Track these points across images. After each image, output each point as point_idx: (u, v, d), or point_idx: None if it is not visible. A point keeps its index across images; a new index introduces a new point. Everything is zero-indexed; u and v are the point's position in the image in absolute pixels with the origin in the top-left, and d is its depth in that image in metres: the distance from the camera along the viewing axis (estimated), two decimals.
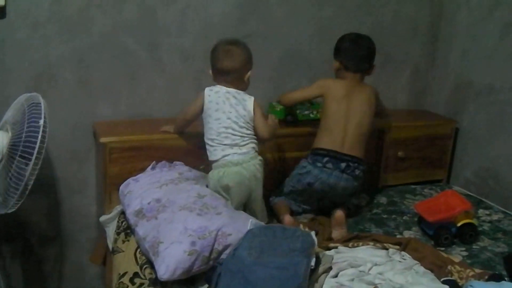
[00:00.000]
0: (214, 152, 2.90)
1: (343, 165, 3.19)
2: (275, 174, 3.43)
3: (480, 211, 3.56)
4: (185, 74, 3.47)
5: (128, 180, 2.90)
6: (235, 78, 2.94)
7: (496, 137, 3.74)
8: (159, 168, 3.00)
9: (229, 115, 2.89)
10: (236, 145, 2.89)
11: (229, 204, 2.81)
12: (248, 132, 2.94)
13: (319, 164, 3.20)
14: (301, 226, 3.06)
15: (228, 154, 2.87)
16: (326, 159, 3.20)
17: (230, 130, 2.88)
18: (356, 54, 3.37)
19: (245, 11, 3.51)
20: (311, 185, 3.20)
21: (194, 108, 3.00)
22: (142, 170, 2.99)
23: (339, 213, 3.14)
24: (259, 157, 2.96)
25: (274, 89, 3.63)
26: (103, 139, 3.02)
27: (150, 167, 3.01)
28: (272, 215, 3.22)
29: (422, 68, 4.23)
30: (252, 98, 2.96)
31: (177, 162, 3.09)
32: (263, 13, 3.56)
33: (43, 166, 2.57)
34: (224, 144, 2.88)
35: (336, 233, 3.06)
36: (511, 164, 3.65)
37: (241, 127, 2.90)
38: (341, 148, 3.22)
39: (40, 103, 2.52)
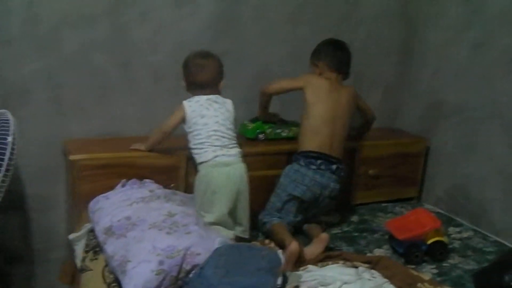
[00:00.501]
0: (205, 154, 2.95)
1: (334, 167, 3.26)
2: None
3: (451, 228, 3.59)
4: (157, 93, 3.47)
5: (97, 197, 2.89)
6: (211, 89, 3.05)
7: (467, 155, 3.77)
8: (129, 186, 2.99)
9: (216, 119, 2.99)
10: (225, 146, 2.98)
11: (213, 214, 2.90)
12: (234, 135, 3.05)
13: (313, 167, 3.23)
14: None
15: (218, 155, 2.94)
16: (319, 161, 3.24)
17: (219, 133, 2.98)
18: (338, 55, 3.46)
19: (218, 30, 3.53)
20: (309, 188, 3.21)
21: (173, 121, 3.06)
22: (112, 188, 2.97)
23: (325, 235, 3.05)
24: (244, 163, 3.03)
25: (248, 108, 3.62)
26: (72, 157, 3.00)
27: (120, 184, 3.01)
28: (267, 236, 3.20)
29: (394, 87, 4.27)
30: (231, 101, 3.09)
31: (147, 180, 3.08)
32: (236, 32, 3.58)
33: (13, 183, 2.55)
34: (215, 146, 2.96)
35: (313, 249, 2.96)
36: (481, 182, 3.68)
37: (228, 128, 3.01)
38: (330, 150, 3.29)
39: (9, 120, 2.51)
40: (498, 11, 3.55)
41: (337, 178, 3.29)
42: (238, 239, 2.96)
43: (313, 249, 2.96)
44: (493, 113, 3.59)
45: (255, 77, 3.68)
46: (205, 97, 3.03)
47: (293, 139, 3.61)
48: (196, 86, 3.04)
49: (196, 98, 3.03)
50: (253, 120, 3.66)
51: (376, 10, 4.05)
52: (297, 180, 3.23)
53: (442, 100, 3.94)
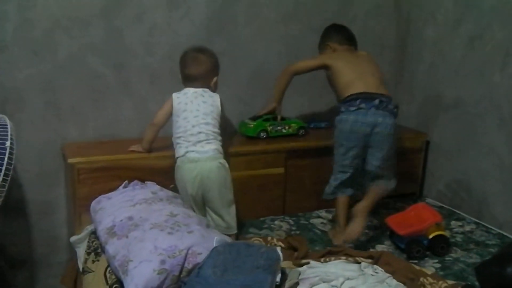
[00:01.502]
0: (179, 150, 3.01)
1: (376, 101, 3.17)
2: (250, 191, 3.45)
3: (453, 222, 3.58)
4: (153, 94, 3.48)
5: (99, 197, 2.90)
6: (201, 83, 3.10)
7: (466, 149, 3.77)
8: (132, 187, 2.99)
9: (196, 113, 3.02)
10: (199, 142, 2.99)
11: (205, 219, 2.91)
12: (215, 130, 3.04)
13: (352, 108, 3.18)
14: (279, 242, 3.06)
15: (189, 151, 2.98)
16: (358, 100, 3.18)
17: (196, 128, 3.00)
18: (344, 32, 3.60)
19: (212, 31, 3.53)
20: (353, 130, 3.17)
21: (162, 112, 3.13)
22: (111, 190, 2.96)
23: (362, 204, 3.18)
24: (220, 160, 3.01)
25: (244, 108, 3.64)
26: (71, 160, 3.01)
27: (122, 186, 3.01)
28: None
29: (391, 83, 4.24)
30: (219, 95, 3.09)
31: (149, 182, 3.08)
32: (230, 32, 3.58)
33: (13, 188, 2.55)
34: (188, 141, 2.99)
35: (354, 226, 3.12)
36: (482, 175, 3.67)
37: (208, 123, 3.01)
38: (369, 88, 3.25)
39: (7, 125, 2.50)
40: (492, 5, 3.54)
41: (385, 113, 3.18)
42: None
43: (355, 226, 3.13)
44: (490, 106, 3.58)
45: (250, 76, 3.69)
46: (192, 89, 3.08)
47: (294, 135, 3.71)
48: (186, 78, 3.10)
49: (185, 90, 3.09)
50: (254, 119, 3.67)
51: (370, 6, 4.06)
52: (344, 129, 3.20)
53: (439, 95, 3.93)
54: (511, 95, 3.43)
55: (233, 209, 3.09)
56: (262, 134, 3.64)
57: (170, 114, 3.09)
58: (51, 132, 3.28)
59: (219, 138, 3.07)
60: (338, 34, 3.58)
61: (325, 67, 3.42)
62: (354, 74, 3.31)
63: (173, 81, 3.41)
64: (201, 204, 3.04)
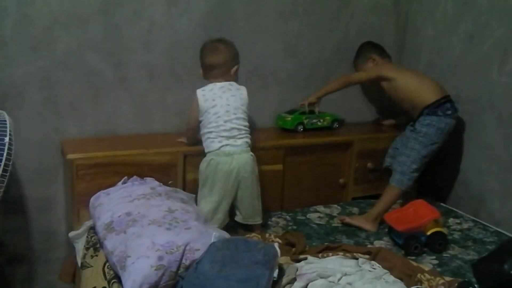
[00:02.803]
0: (212, 144, 3.04)
1: (459, 106, 3.63)
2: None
3: (451, 220, 3.60)
4: (152, 91, 3.49)
5: (98, 193, 2.91)
6: (221, 72, 3.10)
7: (464, 146, 3.78)
8: (131, 183, 3.00)
9: (227, 108, 3.04)
10: (233, 137, 3.03)
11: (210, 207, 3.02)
12: (245, 124, 3.08)
13: (448, 112, 3.53)
14: (276, 239, 3.05)
15: (223, 146, 3.01)
16: (449, 104, 3.55)
17: (229, 124, 3.03)
18: (381, 47, 3.95)
19: (210, 27, 3.53)
20: (449, 131, 3.55)
21: (194, 114, 3.13)
22: (110, 186, 2.96)
23: None
24: (251, 153, 3.08)
25: None
26: (69, 156, 3.00)
27: (121, 181, 3.01)
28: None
29: None
30: (245, 88, 3.11)
31: (148, 178, 3.08)
32: (228, 29, 3.57)
33: (12, 185, 2.55)
34: (222, 136, 3.02)
35: None
36: (479, 173, 3.68)
37: (239, 118, 3.05)
38: (444, 92, 3.60)
39: (6, 121, 2.49)
40: (490, 3, 3.56)
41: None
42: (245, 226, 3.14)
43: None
44: (488, 104, 3.59)
45: (249, 73, 3.67)
46: (219, 84, 3.08)
47: (327, 128, 3.88)
48: (207, 68, 3.11)
49: (210, 86, 3.09)
50: (291, 112, 3.78)
51: (368, 4, 4.07)
52: (444, 130, 3.53)
53: None
54: (509, 93, 3.44)
55: (259, 199, 3.16)
56: (299, 127, 3.76)
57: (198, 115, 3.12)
58: (49, 128, 3.27)
59: (249, 131, 3.11)
60: (377, 48, 3.92)
61: (382, 79, 3.76)
62: (421, 80, 3.67)
63: (171, 78, 3.44)
64: (231, 196, 3.06)
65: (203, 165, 3.06)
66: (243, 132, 3.06)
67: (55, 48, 3.19)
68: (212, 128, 3.03)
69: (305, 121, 3.78)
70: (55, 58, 3.20)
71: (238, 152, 3.01)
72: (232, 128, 3.03)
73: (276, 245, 2.45)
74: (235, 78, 3.14)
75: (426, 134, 3.50)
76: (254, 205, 3.13)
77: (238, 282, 2.12)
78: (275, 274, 2.27)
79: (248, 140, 3.08)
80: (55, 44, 3.19)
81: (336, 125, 3.92)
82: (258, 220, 3.17)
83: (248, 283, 2.12)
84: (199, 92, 3.07)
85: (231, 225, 3.15)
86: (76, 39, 3.23)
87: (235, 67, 3.12)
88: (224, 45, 3.10)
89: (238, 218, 3.16)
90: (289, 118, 3.76)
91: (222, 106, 3.03)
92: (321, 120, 3.85)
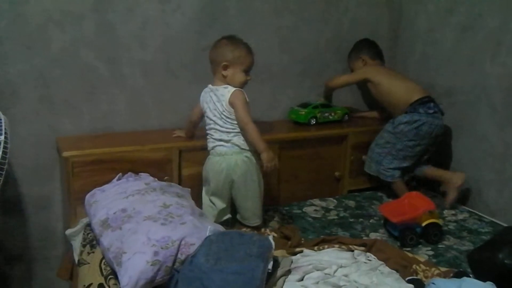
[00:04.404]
0: (208, 143, 3.10)
1: (441, 106, 3.74)
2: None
3: (446, 211, 3.62)
4: (146, 88, 3.49)
5: (94, 190, 2.91)
6: (214, 69, 3.09)
7: (458, 137, 3.80)
8: (125, 179, 3.01)
9: (214, 113, 3.05)
10: (221, 140, 3.04)
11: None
12: (232, 127, 3.03)
13: (430, 111, 3.65)
14: (272, 233, 3.08)
15: (216, 146, 3.05)
16: (431, 104, 3.68)
17: (217, 126, 3.04)
18: (376, 47, 4.04)
19: (204, 23, 3.54)
20: (430, 131, 3.66)
21: (193, 110, 3.25)
22: (106, 183, 2.96)
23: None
24: (245, 154, 3.05)
25: None
26: (65, 154, 3.00)
27: (116, 178, 3.01)
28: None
29: None
30: (230, 92, 3.01)
31: (143, 174, 3.09)
32: (222, 25, 3.58)
33: (8, 183, 2.54)
34: (214, 138, 3.06)
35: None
36: (474, 164, 3.70)
37: (225, 122, 3.02)
38: (426, 92, 3.75)
39: (1, 119, 2.50)
40: None
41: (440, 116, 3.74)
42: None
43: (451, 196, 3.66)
44: (482, 95, 3.61)
45: None
46: (210, 87, 3.10)
47: (339, 121, 3.97)
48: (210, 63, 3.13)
49: (207, 88, 3.13)
50: (304, 106, 3.86)
51: None
52: (421, 129, 3.64)
53: (430, 84, 3.94)
54: (502, 84, 3.46)
55: (256, 201, 3.14)
56: (312, 121, 3.83)
57: (200, 111, 3.18)
58: (45, 126, 3.28)
59: (240, 132, 3.04)
60: (370, 49, 4.00)
61: (367, 81, 3.89)
62: (402, 82, 3.80)
63: (166, 74, 3.45)
64: (225, 195, 3.09)
65: (205, 163, 3.12)
66: (232, 134, 3.03)
67: (50, 46, 3.19)
68: (207, 130, 3.09)
69: (318, 115, 3.84)
70: (50, 56, 3.20)
71: (229, 153, 3.02)
72: (220, 131, 3.04)
73: (270, 237, 2.46)
74: (229, 80, 3.04)
75: (402, 131, 3.66)
76: (247, 207, 3.13)
77: (233, 274, 2.13)
78: (270, 266, 2.28)
79: (238, 142, 3.04)
80: (49, 42, 3.19)
81: (346, 118, 4.00)
82: (255, 223, 3.16)
83: (242, 275, 2.14)
84: (202, 93, 3.14)
85: (231, 222, 3.19)
86: (70, 37, 3.23)
87: (227, 71, 3.03)
88: (223, 42, 3.05)
89: (238, 216, 3.19)
90: (303, 112, 3.82)
91: (211, 110, 3.05)
92: (333, 114, 3.92)
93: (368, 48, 4.00)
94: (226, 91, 3.01)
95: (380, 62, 4.01)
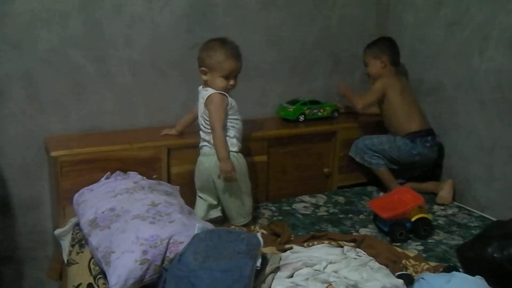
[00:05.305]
0: (200, 143, 3.15)
1: (437, 139, 3.82)
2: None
3: (435, 206, 3.63)
4: (135, 86, 3.48)
5: (82, 189, 2.90)
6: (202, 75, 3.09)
7: (447, 132, 3.80)
8: (114, 178, 3.00)
9: (200, 113, 3.10)
10: (204, 140, 3.10)
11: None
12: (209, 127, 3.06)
13: (428, 144, 3.73)
14: (262, 230, 3.09)
15: (202, 146, 3.12)
16: (430, 137, 3.75)
17: (201, 126, 3.10)
18: (398, 51, 3.91)
19: (192, 20, 3.53)
20: (420, 161, 3.78)
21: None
22: (95, 182, 2.95)
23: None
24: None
25: None
26: (53, 153, 2.99)
27: (104, 177, 3.01)
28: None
29: None
30: (208, 95, 3.02)
31: (131, 172, 3.09)
32: (210, 21, 3.57)
33: None
34: (201, 138, 3.12)
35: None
36: (463, 159, 3.71)
37: (207, 123, 3.05)
38: (428, 125, 3.83)
39: None
40: None
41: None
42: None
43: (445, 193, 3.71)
44: (470, 90, 3.61)
45: None
46: (200, 87, 3.13)
47: (328, 118, 3.94)
48: None
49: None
50: (292, 102, 3.84)
51: None
52: (410, 156, 3.77)
53: (419, 79, 3.97)
54: (490, 78, 3.46)
55: (239, 201, 3.15)
56: (300, 117, 3.81)
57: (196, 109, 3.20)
58: (33, 126, 3.26)
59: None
60: (393, 52, 3.88)
61: (384, 96, 3.82)
62: (409, 107, 3.80)
63: (154, 72, 3.44)
64: (213, 193, 3.14)
65: None
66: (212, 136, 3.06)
67: (37, 46, 3.18)
68: (200, 130, 3.12)
69: (307, 112, 3.82)
70: (37, 56, 3.19)
71: (211, 154, 3.05)
72: (204, 132, 3.08)
73: (259, 234, 2.46)
74: (209, 84, 3.06)
75: (399, 149, 3.74)
76: (230, 206, 3.15)
77: (222, 272, 2.13)
78: (258, 263, 2.27)
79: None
80: (36, 41, 3.17)
81: (335, 114, 3.98)
82: (239, 222, 3.16)
83: (231, 273, 2.13)
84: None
85: (221, 220, 3.20)
86: (57, 36, 3.21)
87: (205, 76, 3.05)
88: (209, 46, 3.05)
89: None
90: (291, 109, 3.81)
91: (198, 111, 3.11)
92: (322, 110, 3.90)
93: (391, 50, 3.88)
94: (206, 94, 3.03)
95: (396, 69, 3.91)
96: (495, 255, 2.49)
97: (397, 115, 3.79)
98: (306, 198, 3.69)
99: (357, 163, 3.85)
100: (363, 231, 3.21)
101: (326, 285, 2.32)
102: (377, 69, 3.85)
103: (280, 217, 3.37)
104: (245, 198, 3.16)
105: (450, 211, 3.56)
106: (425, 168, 3.85)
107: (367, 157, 3.77)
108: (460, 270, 2.59)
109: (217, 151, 2.99)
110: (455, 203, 3.70)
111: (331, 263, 2.52)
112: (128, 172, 3.07)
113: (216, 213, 3.18)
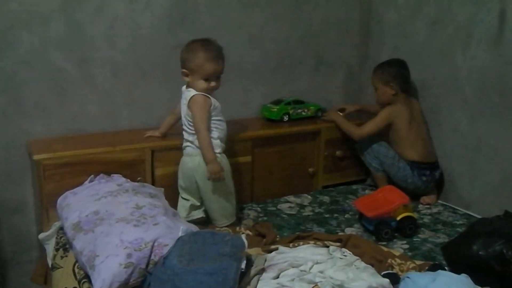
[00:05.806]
0: (183, 143, 3.14)
1: (436, 175, 3.75)
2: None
3: (420, 205, 3.65)
4: (117, 88, 3.46)
5: (65, 193, 2.88)
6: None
7: (430, 130, 3.81)
8: (97, 181, 2.98)
9: (183, 114, 3.10)
10: (187, 140, 3.10)
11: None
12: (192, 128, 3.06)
13: (424, 178, 3.68)
14: (247, 231, 3.06)
15: (185, 146, 3.12)
16: (427, 172, 3.69)
17: (184, 127, 3.10)
18: (409, 78, 3.78)
19: (174, 21, 3.51)
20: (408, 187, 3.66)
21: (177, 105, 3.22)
22: (78, 185, 2.93)
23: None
24: None
25: None
26: (36, 156, 2.97)
27: (88, 180, 2.99)
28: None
29: (356, 68, 4.30)
30: (191, 95, 3.01)
31: (115, 175, 3.06)
32: (192, 22, 3.56)
33: None
34: (184, 138, 3.12)
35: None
36: (447, 156, 3.72)
37: (189, 123, 3.04)
38: (432, 157, 3.78)
39: None
40: None
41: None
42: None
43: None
44: (453, 87, 3.63)
45: None
46: (183, 88, 3.12)
47: (312, 118, 3.95)
48: None
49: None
50: (276, 102, 3.84)
51: None
52: (403, 181, 3.72)
53: None
54: (473, 76, 3.48)
55: (222, 202, 3.14)
56: (284, 117, 3.81)
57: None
58: (15, 129, 3.23)
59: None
60: (404, 80, 3.74)
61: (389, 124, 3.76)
62: (414, 135, 3.71)
63: (137, 73, 3.42)
64: (196, 194, 3.14)
65: None
66: (195, 136, 3.04)
67: (17, 48, 3.15)
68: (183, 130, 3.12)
69: (291, 111, 3.82)
70: (18, 58, 3.16)
71: (194, 154, 3.05)
72: (187, 132, 3.08)
73: (243, 236, 2.45)
74: (191, 85, 3.05)
75: (398, 170, 3.70)
76: (212, 208, 3.15)
77: (206, 275, 2.11)
78: (243, 265, 2.26)
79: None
80: (17, 44, 3.14)
81: (319, 114, 3.98)
82: (222, 223, 3.15)
83: (215, 275, 2.12)
84: None
85: (204, 221, 3.18)
86: (38, 38, 3.18)
87: (186, 77, 3.05)
88: (190, 48, 3.04)
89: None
90: (275, 109, 3.80)
91: (181, 111, 3.10)
92: (306, 110, 3.90)
93: (403, 78, 3.72)
94: (189, 95, 3.02)
95: (406, 95, 3.74)
96: (480, 252, 2.50)
97: (400, 143, 3.74)
98: (291, 198, 3.69)
99: (342, 163, 3.85)
100: (348, 230, 3.21)
101: (312, 285, 2.31)
102: (387, 96, 3.73)
103: (265, 218, 3.37)
104: (228, 200, 3.15)
105: (435, 210, 3.57)
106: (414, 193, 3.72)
107: (369, 159, 3.79)
108: (446, 268, 2.59)
109: (204, 154, 2.99)
110: (440, 201, 3.71)
111: (317, 263, 2.52)
112: (112, 175, 3.04)
113: (198, 214, 3.17)
